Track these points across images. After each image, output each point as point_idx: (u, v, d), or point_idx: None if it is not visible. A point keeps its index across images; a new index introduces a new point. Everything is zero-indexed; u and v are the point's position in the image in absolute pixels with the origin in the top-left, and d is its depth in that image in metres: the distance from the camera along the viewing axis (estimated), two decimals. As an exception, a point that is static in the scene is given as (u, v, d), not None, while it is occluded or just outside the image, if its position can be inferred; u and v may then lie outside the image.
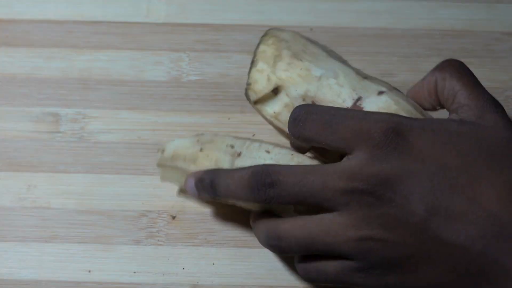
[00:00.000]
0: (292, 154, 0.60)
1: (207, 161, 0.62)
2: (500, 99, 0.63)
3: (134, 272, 0.63)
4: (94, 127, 0.70)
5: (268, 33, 0.66)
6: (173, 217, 0.66)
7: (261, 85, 0.65)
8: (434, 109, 0.61)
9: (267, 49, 0.65)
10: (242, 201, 0.57)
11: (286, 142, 0.68)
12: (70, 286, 0.63)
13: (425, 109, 0.61)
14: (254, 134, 0.69)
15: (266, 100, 0.65)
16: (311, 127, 0.56)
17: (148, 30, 0.75)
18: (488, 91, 0.58)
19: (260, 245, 0.63)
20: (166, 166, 0.65)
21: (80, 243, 0.65)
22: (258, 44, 0.66)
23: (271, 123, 0.66)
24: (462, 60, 0.61)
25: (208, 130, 0.70)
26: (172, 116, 0.71)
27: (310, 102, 0.62)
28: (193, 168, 0.62)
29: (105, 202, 0.66)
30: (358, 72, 0.63)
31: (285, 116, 0.64)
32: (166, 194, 0.67)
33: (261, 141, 0.62)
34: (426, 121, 0.56)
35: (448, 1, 0.75)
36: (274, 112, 0.65)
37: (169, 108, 0.71)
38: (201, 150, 0.62)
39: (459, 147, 0.54)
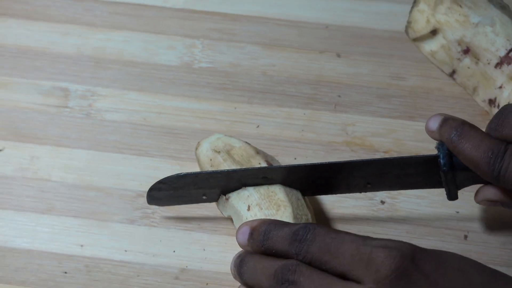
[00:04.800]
0: None
1: None
2: None
3: (126, 251, 0.64)
4: (101, 105, 0.71)
5: None
6: (170, 200, 0.66)
7: (420, 25, 0.69)
8: None
9: None
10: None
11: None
12: (61, 259, 0.63)
13: None
14: (258, 126, 0.70)
15: (424, 39, 0.69)
16: (312, 250, 0.54)
17: (165, 14, 0.76)
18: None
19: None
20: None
21: (76, 217, 0.65)
22: None
23: (427, 58, 0.71)
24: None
25: (214, 118, 0.70)
26: (180, 101, 0.71)
27: (465, 48, 0.67)
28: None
29: (104, 180, 0.67)
30: None
31: (441, 55, 0.69)
32: (164, 177, 0.67)
33: (257, 188, 0.62)
34: (429, 253, 0.53)
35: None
36: (431, 50, 0.69)
37: (177, 93, 0.71)
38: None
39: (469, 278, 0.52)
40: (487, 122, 0.67)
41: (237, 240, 0.58)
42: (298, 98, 0.71)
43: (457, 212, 0.65)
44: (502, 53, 0.65)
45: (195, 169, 0.66)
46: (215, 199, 0.63)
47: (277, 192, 0.62)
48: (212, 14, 0.76)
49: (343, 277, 0.53)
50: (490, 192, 0.58)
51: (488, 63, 0.66)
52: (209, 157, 0.64)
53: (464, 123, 0.58)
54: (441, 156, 0.58)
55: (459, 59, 0.68)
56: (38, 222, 0.65)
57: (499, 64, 0.66)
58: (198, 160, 0.65)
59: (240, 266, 0.57)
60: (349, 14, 0.76)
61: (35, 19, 0.75)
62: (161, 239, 0.64)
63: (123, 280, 0.63)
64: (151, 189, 0.63)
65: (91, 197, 0.66)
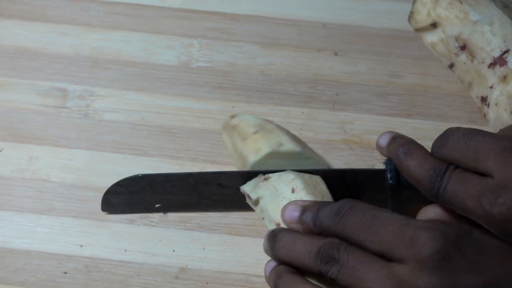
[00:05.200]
0: None
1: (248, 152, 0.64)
2: None
3: (125, 251, 0.64)
4: (100, 105, 0.71)
5: None
6: (169, 200, 0.66)
7: (421, 17, 0.69)
8: None
9: None
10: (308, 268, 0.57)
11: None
12: (60, 259, 0.63)
13: None
14: (257, 125, 0.70)
15: (425, 30, 0.69)
16: (352, 224, 0.55)
17: (163, 14, 0.76)
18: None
19: (251, 234, 0.64)
20: (226, 129, 0.67)
21: (75, 217, 0.65)
22: None
23: (428, 49, 0.70)
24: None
25: (212, 117, 0.70)
26: (178, 100, 0.71)
27: (462, 44, 0.67)
28: (240, 145, 0.64)
29: (103, 180, 0.67)
30: None
31: (440, 48, 0.69)
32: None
33: (304, 172, 0.62)
34: (473, 238, 0.55)
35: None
36: (432, 42, 0.69)
37: (175, 93, 0.71)
38: (243, 140, 0.65)
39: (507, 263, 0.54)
40: (484, 119, 0.67)
41: (283, 218, 0.58)
42: (296, 97, 0.71)
43: (456, 210, 0.65)
44: (497, 53, 0.65)
45: (194, 169, 0.66)
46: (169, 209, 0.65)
47: (319, 183, 0.62)
48: (210, 13, 0.76)
49: (381, 256, 0.54)
50: (432, 211, 0.59)
51: (482, 62, 0.66)
52: (257, 122, 0.66)
53: (411, 142, 0.59)
54: (388, 170, 0.61)
55: (456, 54, 0.68)
56: (38, 223, 0.65)
57: (492, 65, 0.65)
58: (234, 127, 0.66)
59: (274, 240, 0.57)
60: (347, 13, 0.76)
61: (33, 19, 0.75)
62: (160, 238, 0.65)
63: (123, 280, 0.63)
64: (108, 193, 0.63)
65: (90, 197, 0.66)
